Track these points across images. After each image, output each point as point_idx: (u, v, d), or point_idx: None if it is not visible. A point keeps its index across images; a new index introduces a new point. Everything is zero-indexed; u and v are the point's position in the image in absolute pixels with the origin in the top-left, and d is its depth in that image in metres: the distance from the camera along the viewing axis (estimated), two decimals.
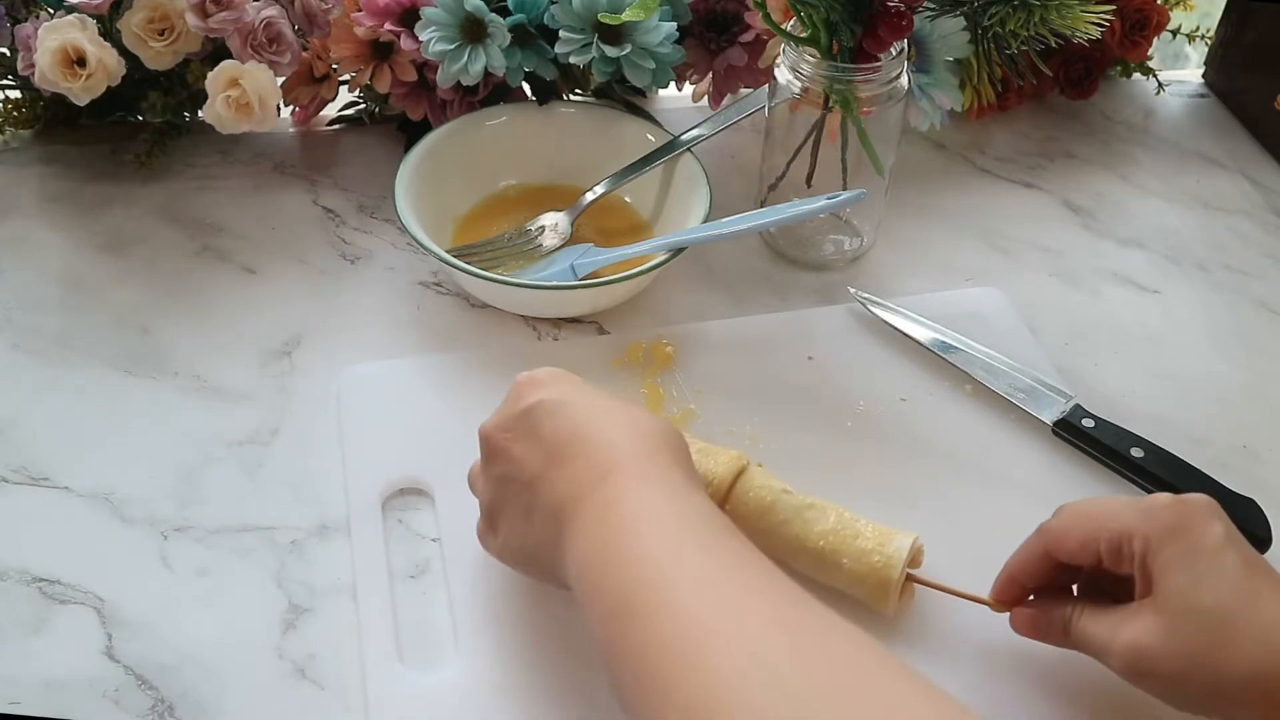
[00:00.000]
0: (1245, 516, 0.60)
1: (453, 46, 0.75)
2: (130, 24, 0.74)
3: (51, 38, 0.73)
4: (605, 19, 0.72)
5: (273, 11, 0.76)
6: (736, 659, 0.38)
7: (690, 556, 0.43)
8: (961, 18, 0.77)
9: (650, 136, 0.79)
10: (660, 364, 0.70)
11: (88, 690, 0.54)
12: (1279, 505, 0.61)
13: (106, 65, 0.74)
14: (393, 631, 0.56)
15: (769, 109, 0.75)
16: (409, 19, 0.76)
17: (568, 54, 0.75)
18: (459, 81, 0.76)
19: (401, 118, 0.85)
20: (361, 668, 0.55)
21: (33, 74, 0.74)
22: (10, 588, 0.58)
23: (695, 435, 0.61)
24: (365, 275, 0.77)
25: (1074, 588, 0.54)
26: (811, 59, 0.70)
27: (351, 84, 0.84)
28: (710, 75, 0.83)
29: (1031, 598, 0.54)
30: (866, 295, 0.74)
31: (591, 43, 0.74)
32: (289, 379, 0.69)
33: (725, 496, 0.58)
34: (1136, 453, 0.64)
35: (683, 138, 0.78)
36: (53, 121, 0.85)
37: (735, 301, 0.76)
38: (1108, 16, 0.76)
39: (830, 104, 0.71)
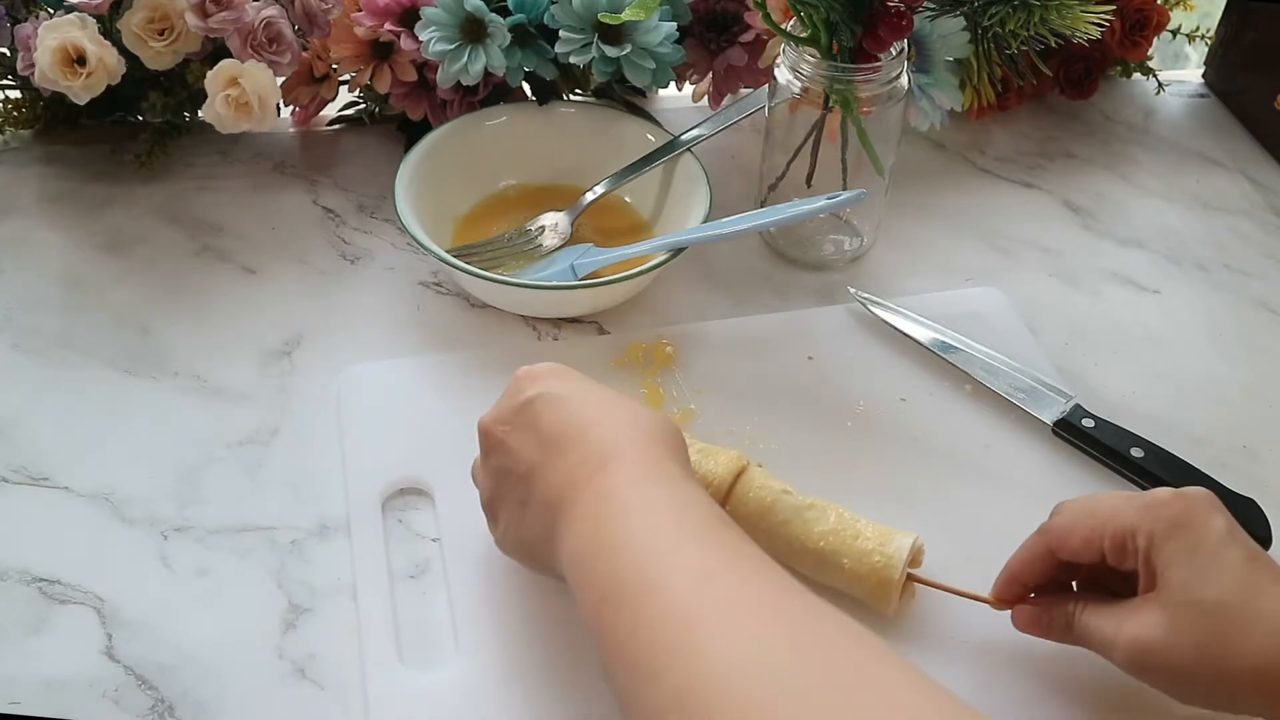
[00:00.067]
0: (1245, 516, 0.60)
1: (453, 46, 0.75)
2: (130, 24, 0.74)
3: (51, 36, 0.73)
4: (605, 19, 0.72)
5: (273, 11, 0.76)
6: (731, 648, 0.38)
7: (685, 546, 0.43)
8: (961, 18, 0.77)
9: (650, 136, 0.79)
10: (660, 364, 0.70)
11: (88, 690, 0.54)
12: (1279, 505, 0.61)
13: (107, 64, 0.74)
14: (393, 631, 0.56)
15: (769, 109, 0.75)
16: (409, 19, 0.76)
17: (568, 54, 0.75)
18: (459, 81, 0.76)
19: (401, 118, 0.85)
20: (361, 668, 0.55)
21: (33, 73, 0.74)
22: (10, 588, 0.58)
23: (695, 435, 0.61)
24: (365, 275, 0.77)
25: (1074, 584, 0.54)
26: (811, 59, 0.70)
27: (351, 84, 0.84)
28: (710, 75, 0.83)
29: (1032, 595, 0.54)
30: (866, 295, 0.74)
31: (591, 43, 0.74)
32: (289, 379, 0.69)
33: (725, 497, 0.58)
34: (1136, 453, 0.64)
35: (683, 138, 0.78)
36: (53, 121, 0.85)
37: (735, 301, 0.76)
38: (1108, 16, 0.76)
39: (830, 104, 0.71)
